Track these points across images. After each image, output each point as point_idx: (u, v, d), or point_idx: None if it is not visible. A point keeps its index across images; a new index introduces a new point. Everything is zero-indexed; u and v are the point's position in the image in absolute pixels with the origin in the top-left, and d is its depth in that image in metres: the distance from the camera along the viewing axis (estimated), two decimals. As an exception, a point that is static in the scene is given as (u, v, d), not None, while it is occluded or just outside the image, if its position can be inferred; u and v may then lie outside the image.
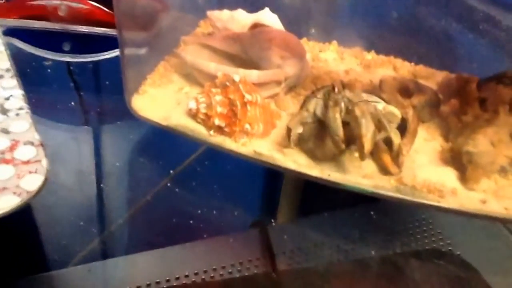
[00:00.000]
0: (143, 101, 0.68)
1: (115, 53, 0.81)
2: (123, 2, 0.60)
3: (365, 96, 0.59)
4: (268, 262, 0.56)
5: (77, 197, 0.64)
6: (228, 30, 0.76)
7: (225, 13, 0.77)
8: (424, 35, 0.79)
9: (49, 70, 0.81)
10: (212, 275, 0.54)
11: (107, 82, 0.80)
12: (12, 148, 0.52)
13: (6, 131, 0.55)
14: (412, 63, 0.78)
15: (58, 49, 0.81)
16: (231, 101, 0.61)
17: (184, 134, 0.64)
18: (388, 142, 0.59)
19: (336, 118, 0.56)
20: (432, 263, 0.59)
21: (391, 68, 0.78)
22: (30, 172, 0.50)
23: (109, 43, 0.81)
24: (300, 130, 0.58)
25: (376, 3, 0.81)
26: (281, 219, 0.64)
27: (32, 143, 0.53)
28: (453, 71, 0.76)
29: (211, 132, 0.62)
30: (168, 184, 0.65)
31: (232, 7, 0.79)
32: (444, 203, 0.56)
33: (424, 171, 0.59)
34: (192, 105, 0.63)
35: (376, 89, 0.69)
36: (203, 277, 0.54)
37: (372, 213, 0.63)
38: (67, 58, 0.81)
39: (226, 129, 0.62)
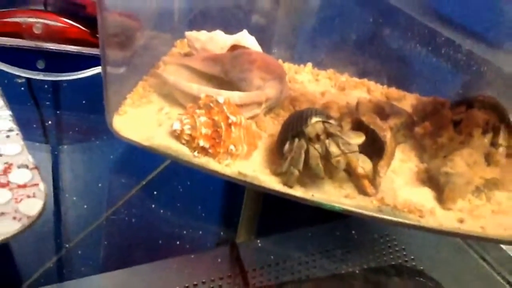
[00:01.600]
0: (124, 121, 0.67)
1: (90, 72, 0.81)
2: (108, 21, 0.59)
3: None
4: (240, 280, 0.57)
5: (52, 217, 0.62)
6: (207, 50, 0.76)
7: (203, 34, 0.78)
8: (390, 57, 0.82)
9: (22, 88, 0.80)
10: (184, 293, 0.54)
11: (83, 101, 0.80)
12: (5, 171, 0.51)
13: (-2, 154, 0.54)
14: (385, 86, 0.81)
15: (32, 67, 0.79)
16: (216, 122, 0.62)
17: (167, 155, 0.64)
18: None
19: (316, 157, 0.58)
20: (396, 279, 0.61)
21: (365, 90, 0.80)
22: (28, 197, 0.49)
23: (84, 61, 0.80)
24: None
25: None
26: (242, 236, 0.65)
27: (26, 166, 0.52)
28: (412, 91, 0.79)
29: (195, 153, 0.63)
30: (136, 200, 0.66)
31: (202, 28, 0.80)
32: (424, 223, 0.58)
33: (403, 192, 0.61)
34: (177, 126, 0.63)
35: (353, 112, 0.71)
36: (174, 295, 0.54)
37: (336, 230, 0.65)
38: (41, 76, 0.80)
39: (210, 150, 0.62)
